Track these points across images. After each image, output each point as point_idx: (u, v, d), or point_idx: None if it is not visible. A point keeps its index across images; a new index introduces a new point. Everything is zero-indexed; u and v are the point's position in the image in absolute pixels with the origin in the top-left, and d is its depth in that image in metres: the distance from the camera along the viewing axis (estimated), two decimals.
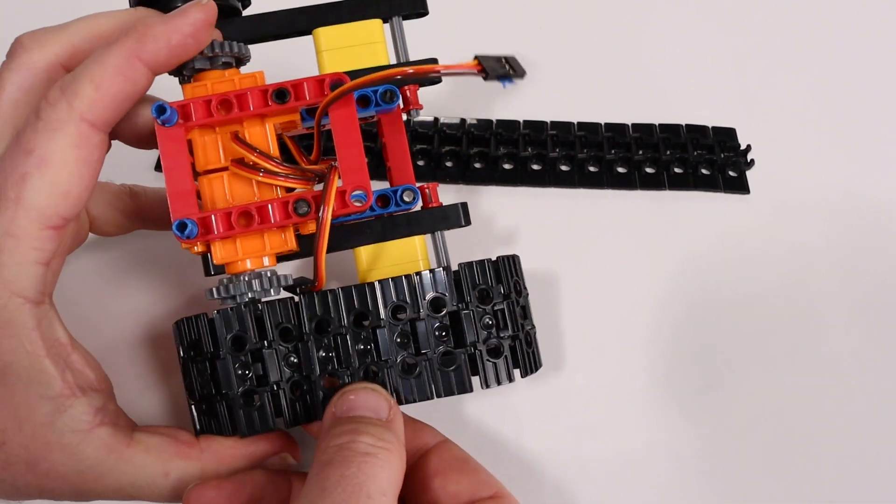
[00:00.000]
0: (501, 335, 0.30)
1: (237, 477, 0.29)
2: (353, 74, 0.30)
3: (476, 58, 0.30)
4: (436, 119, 0.44)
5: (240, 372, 0.29)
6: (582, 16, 0.50)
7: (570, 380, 0.37)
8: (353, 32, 0.32)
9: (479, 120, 0.45)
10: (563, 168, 0.44)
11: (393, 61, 0.32)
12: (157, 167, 0.44)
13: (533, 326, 0.32)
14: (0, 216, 0.26)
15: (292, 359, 0.29)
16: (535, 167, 0.44)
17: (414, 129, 0.43)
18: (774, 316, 0.39)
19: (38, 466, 0.27)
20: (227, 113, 0.29)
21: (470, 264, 0.30)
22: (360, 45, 0.32)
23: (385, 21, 0.33)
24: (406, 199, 0.31)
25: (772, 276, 0.40)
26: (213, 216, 0.28)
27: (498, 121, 0.45)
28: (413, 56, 0.33)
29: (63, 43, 0.29)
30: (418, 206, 0.31)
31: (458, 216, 0.31)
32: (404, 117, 0.33)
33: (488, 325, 0.30)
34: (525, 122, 0.45)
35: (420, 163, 0.43)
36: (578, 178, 0.43)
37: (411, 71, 0.29)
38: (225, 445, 0.30)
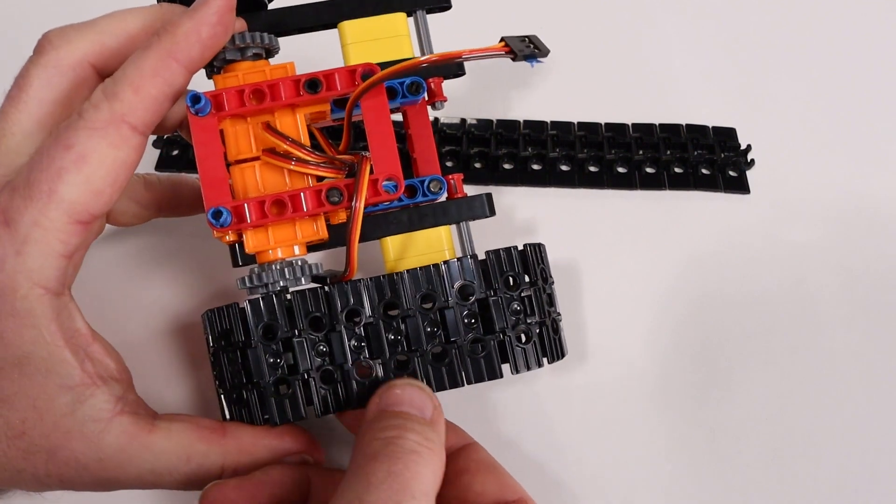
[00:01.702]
0: (529, 321, 0.30)
1: (256, 476, 0.29)
2: (381, 66, 0.30)
3: (502, 39, 0.30)
4: (436, 119, 0.44)
5: (271, 360, 0.29)
6: (582, 16, 0.50)
7: (570, 380, 0.37)
8: (378, 26, 0.33)
9: (479, 120, 0.45)
10: (563, 168, 0.44)
11: (417, 54, 0.33)
12: (158, 166, 0.44)
13: (559, 314, 0.33)
14: (31, 207, 0.27)
15: (322, 347, 0.29)
16: (535, 167, 0.44)
17: None
18: (774, 315, 0.39)
19: (59, 455, 0.27)
20: (260, 103, 0.29)
21: (497, 252, 0.30)
22: (385, 38, 0.32)
23: (409, 15, 0.33)
24: (433, 189, 0.31)
25: (772, 276, 0.40)
26: (245, 205, 0.29)
27: (498, 121, 0.45)
28: (436, 49, 0.33)
29: (91, 40, 0.30)
30: (444, 197, 0.32)
31: (483, 207, 0.32)
32: (429, 109, 0.33)
33: (516, 312, 0.30)
34: (525, 122, 0.45)
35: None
36: (578, 178, 0.43)
37: (436, 57, 0.29)
38: (250, 435, 0.30)
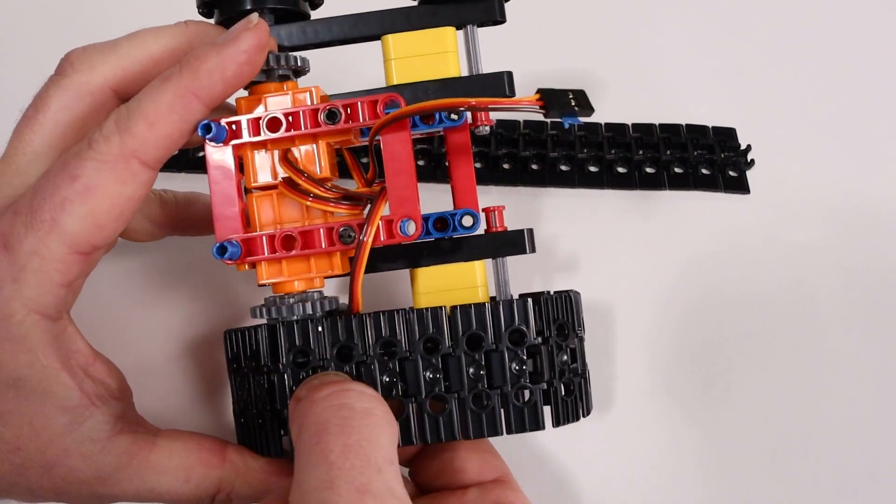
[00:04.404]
0: (535, 381, 0.28)
1: None
2: (422, 85, 0.29)
3: (539, 91, 0.28)
4: None
5: (257, 391, 0.29)
6: (581, 16, 0.50)
7: None
8: (424, 40, 0.30)
9: None
10: (563, 168, 0.44)
11: (464, 72, 0.31)
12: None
13: (581, 372, 0.31)
14: (31, 235, 0.26)
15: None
16: (535, 167, 0.44)
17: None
18: (774, 316, 0.39)
19: (55, 470, 0.27)
20: (276, 132, 0.28)
21: (509, 302, 0.28)
22: (430, 54, 0.30)
23: (458, 28, 0.31)
24: (465, 224, 0.29)
25: (772, 276, 0.40)
26: (256, 240, 0.28)
27: (498, 121, 0.45)
28: (485, 67, 0.31)
29: (112, 64, 0.29)
30: (480, 230, 0.30)
31: (522, 242, 0.30)
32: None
33: (518, 371, 0.28)
34: (525, 121, 0.45)
35: (420, 163, 0.43)
36: (578, 178, 0.43)
37: (462, 102, 0.28)
38: (248, 462, 0.30)
